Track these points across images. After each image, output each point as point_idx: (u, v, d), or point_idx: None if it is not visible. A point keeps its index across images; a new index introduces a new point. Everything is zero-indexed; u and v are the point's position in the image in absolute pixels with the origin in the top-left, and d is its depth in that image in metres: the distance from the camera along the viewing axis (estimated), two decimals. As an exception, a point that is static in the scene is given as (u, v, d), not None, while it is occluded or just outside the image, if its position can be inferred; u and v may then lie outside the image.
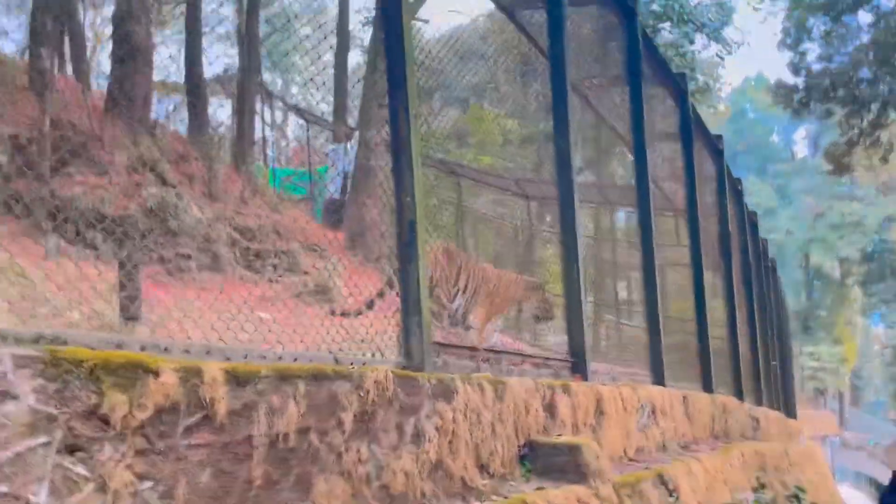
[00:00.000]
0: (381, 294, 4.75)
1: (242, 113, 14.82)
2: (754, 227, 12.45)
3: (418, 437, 2.75)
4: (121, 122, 12.22)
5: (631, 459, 4.63)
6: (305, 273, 12.28)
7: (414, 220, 3.12)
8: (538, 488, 3.27)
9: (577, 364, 4.65)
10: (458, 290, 5.29)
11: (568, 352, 4.69)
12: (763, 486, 6.47)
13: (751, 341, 10.95)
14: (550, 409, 3.80)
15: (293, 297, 11.52)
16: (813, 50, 22.54)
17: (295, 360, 2.49)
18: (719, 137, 9.27)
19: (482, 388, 3.19)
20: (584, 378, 4.60)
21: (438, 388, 2.92)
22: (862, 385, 70.47)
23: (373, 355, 3.19)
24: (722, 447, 6.15)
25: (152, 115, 12.85)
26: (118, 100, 12.28)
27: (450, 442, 2.91)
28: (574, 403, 4.04)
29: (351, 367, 2.57)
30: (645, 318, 6.27)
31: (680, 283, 8.66)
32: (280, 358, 2.46)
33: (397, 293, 3.18)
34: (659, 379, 6.14)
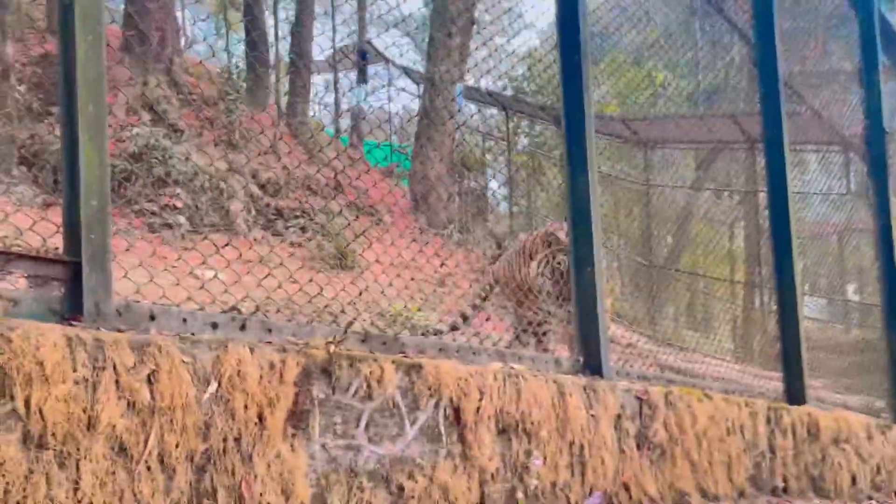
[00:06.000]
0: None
1: (299, 54, 12.68)
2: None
3: None
4: (130, 60, 10.62)
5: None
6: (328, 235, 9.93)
7: None
8: None
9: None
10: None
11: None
12: None
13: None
14: None
15: (303, 262, 9.23)
16: None
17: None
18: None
19: None
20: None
21: None
22: None
23: None
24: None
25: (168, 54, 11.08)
26: (129, 36, 10.71)
27: None
28: None
29: None
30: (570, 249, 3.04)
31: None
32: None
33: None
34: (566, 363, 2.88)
